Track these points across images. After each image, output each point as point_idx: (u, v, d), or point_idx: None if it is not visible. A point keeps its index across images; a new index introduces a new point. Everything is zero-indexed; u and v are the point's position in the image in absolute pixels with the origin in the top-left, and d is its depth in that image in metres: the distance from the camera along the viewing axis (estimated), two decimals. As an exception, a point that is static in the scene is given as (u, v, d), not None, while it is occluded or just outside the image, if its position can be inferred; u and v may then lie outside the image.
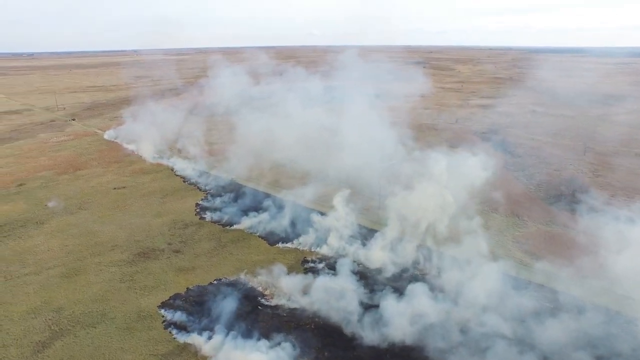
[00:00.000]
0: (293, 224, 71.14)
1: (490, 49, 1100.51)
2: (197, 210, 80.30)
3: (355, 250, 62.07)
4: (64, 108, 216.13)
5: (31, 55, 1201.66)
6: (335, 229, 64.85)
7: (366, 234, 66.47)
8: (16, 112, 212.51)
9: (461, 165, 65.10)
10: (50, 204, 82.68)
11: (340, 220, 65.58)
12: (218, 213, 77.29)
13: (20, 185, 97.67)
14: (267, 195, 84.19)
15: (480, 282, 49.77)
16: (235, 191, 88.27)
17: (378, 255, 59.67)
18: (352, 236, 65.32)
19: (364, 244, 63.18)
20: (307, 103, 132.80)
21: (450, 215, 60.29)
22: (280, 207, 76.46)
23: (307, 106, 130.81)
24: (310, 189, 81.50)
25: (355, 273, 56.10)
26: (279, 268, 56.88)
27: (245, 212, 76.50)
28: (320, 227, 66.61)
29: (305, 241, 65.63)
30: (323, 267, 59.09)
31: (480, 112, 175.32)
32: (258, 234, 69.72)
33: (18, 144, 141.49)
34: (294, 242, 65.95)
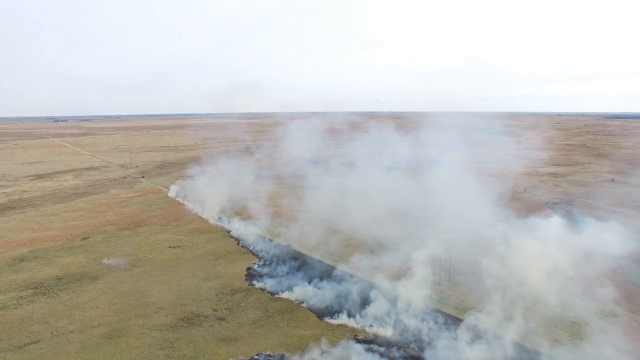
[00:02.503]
0: (348, 298, 66.14)
1: (561, 115, 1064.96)
2: (248, 275, 77.72)
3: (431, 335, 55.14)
4: (137, 166, 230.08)
5: (119, 118, 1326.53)
6: (403, 309, 59.11)
7: (440, 318, 60.04)
8: (96, 168, 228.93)
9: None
10: (106, 261, 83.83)
11: (407, 299, 59.94)
12: (268, 280, 74.11)
13: (85, 238, 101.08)
14: (324, 265, 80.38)
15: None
16: (290, 258, 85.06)
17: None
18: (423, 318, 58.93)
19: (438, 330, 56.46)
20: (374, 168, 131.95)
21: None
22: (336, 279, 72.13)
23: (375, 171, 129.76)
24: (373, 261, 76.67)
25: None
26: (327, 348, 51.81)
27: (296, 281, 72.83)
28: (380, 304, 61.08)
29: (360, 318, 60.17)
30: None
31: (550, 181, 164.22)
32: (307, 306, 65.29)
33: (91, 198, 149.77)
34: (347, 317, 60.71)
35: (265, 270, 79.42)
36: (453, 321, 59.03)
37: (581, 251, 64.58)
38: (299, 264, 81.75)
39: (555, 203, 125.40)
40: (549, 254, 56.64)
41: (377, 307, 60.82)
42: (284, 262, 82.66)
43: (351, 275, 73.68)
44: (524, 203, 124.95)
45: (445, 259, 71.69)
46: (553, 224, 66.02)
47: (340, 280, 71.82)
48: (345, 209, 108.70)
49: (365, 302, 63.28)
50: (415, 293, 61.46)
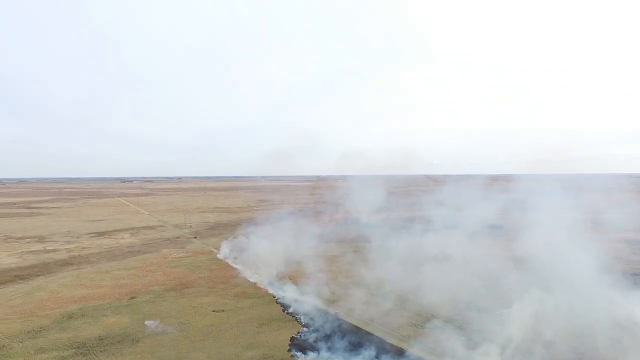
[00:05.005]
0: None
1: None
2: (291, 345, 72.61)
3: None
4: (191, 226, 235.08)
5: (179, 179, 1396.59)
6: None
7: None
8: (152, 227, 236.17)
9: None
10: (148, 323, 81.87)
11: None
12: (311, 354, 68.57)
13: (132, 298, 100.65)
14: (376, 340, 73.59)
15: None
16: (338, 329, 78.85)
17: None
18: None
19: None
20: (452, 230, 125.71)
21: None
22: (390, 356, 65.50)
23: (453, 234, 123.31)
24: (455, 342, 69.44)
25: None
26: None
27: (343, 356, 66.78)
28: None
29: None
30: None
31: (625, 249, 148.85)
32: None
33: (144, 257, 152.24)
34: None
35: (311, 341, 73.89)
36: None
37: None
38: (348, 336, 75.28)
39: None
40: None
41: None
42: (331, 334, 76.68)
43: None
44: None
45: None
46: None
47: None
48: (416, 277, 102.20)
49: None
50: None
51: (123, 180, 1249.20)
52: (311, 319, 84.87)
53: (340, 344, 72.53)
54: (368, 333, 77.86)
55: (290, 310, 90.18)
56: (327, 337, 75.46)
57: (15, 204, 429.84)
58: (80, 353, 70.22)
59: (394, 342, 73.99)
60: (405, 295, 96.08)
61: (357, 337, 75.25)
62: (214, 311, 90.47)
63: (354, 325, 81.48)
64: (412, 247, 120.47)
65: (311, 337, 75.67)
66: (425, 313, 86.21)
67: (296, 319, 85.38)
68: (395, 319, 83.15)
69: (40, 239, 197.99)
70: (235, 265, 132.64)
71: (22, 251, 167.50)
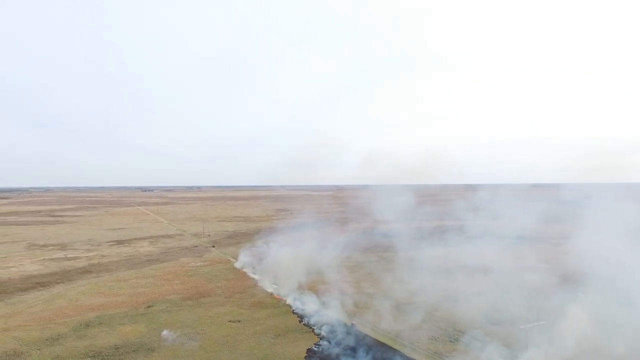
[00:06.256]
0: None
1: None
2: (307, 357, 70.89)
3: None
4: (209, 235, 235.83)
5: (199, 188, 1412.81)
6: None
7: None
8: (170, 236, 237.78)
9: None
10: (164, 333, 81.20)
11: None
12: (328, 366, 66.68)
13: (149, 306, 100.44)
14: (402, 356, 70.93)
15: None
16: (361, 344, 75.90)
17: None
18: None
19: None
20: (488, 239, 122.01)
21: None
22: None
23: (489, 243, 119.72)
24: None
25: None
26: None
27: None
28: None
29: None
30: None
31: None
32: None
33: (162, 265, 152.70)
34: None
35: (328, 353, 71.92)
36: None
37: None
38: (375, 353, 72.49)
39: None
40: None
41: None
42: (354, 349, 74.25)
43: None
44: None
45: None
46: None
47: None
48: (447, 288, 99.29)
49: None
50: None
51: (144, 190, 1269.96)
52: (331, 331, 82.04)
53: (358, 353, 70.56)
54: (391, 348, 74.22)
55: (308, 322, 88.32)
56: (349, 352, 73.09)
57: (40, 212, 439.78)
58: (96, 362, 69.85)
59: (422, 359, 70.83)
60: (435, 307, 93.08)
61: (380, 353, 71.99)
62: (230, 321, 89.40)
63: (377, 340, 78.09)
64: (442, 257, 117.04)
65: (331, 352, 73.58)
66: (459, 326, 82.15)
67: (313, 331, 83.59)
68: (424, 333, 79.64)
69: (62, 247, 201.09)
70: (252, 275, 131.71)
71: (44, 258, 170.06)
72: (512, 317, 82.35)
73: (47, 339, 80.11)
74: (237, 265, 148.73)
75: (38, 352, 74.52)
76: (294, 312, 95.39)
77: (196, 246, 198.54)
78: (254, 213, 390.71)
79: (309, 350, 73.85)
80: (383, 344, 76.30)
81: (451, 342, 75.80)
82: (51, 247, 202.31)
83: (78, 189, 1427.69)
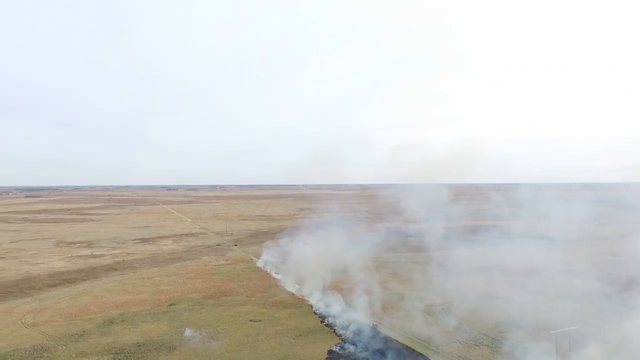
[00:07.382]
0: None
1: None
2: (328, 359, 69.79)
3: None
4: (232, 234, 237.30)
5: (222, 187, 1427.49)
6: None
7: None
8: (194, 234, 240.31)
9: None
10: (186, 332, 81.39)
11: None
12: (349, 368, 65.38)
13: (171, 305, 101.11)
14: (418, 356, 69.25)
15: None
16: (380, 344, 74.59)
17: None
18: None
19: None
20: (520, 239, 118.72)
21: None
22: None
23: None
24: None
25: None
26: None
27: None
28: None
29: None
30: None
31: None
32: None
33: (184, 264, 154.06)
34: None
35: (349, 355, 70.67)
36: None
37: None
38: (390, 353, 71.24)
39: None
40: None
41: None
42: (371, 348, 72.95)
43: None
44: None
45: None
46: None
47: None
48: (484, 290, 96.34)
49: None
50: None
51: (169, 189, 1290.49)
52: (357, 333, 79.92)
53: (380, 355, 68.99)
54: (420, 354, 71.31)
55: (331, 323, 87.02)
56: (377, 356, 71.29)
57: (69, 210, 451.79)
58: (119, 359, 70.38)
59: (423, 352, 69.48)
60: (471, 311, 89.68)
61: (412, 358, 69.60)
62: (251, 321, 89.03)
63: (404, 345, 75.53)
64: (477, 257, 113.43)
65: (350, 349, 72.34)
66: (501, 329, 78.97)
67: (334, 331, 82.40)
68: (458, 337, 76.75)
69: (89, 244, 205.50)
70: (273, 274, 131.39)
71: (72, 256, 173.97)
72: (560, 323, 75.76)
73: (72, 335, 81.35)
74: (259, 264, 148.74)
75: (64, 347, 75.63)
76: (315, 313, 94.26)
77: (219, 245, 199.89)
78: (276, 212, 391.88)
79: (330, 352, 72.72)
80: (412, 349, 73.33)
81: (491, 347, 72.48)
82: (78, 244, 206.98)
83: (105, 188, 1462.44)
